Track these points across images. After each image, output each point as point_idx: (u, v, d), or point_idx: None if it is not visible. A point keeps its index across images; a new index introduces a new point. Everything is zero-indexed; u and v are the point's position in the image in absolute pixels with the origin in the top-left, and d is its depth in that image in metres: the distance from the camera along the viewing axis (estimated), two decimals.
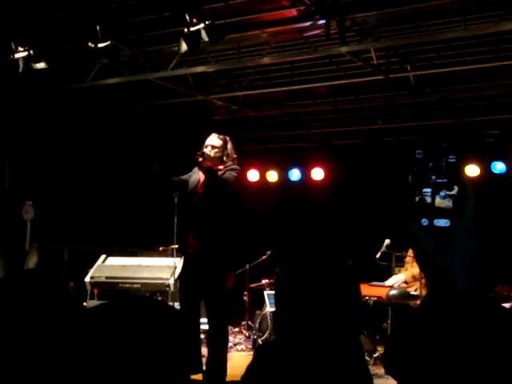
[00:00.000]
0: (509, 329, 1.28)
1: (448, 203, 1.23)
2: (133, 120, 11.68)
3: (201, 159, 6.17)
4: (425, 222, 1.23)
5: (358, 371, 1.47)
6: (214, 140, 6.31)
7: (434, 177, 1.24)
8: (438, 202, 1.24)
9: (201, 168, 6.22)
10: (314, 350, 1.46)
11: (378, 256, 8.38)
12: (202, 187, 6.26)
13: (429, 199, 1.23)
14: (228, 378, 6.24)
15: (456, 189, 1.24)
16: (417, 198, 1.24)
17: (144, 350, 1.16)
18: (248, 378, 1.51)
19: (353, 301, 1.54)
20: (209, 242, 6.16)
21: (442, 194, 1.24)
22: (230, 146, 6.33)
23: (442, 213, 1.23)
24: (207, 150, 6.24)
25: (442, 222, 1.22)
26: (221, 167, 6.25)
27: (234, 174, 6.21)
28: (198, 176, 6.34)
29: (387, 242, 8.24)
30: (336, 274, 1.57)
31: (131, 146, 6.78)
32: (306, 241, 10.52)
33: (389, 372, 1.34)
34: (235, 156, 6.39)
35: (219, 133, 6.42)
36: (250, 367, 1.56)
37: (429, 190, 1.24)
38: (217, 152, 6.25)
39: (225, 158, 6.27)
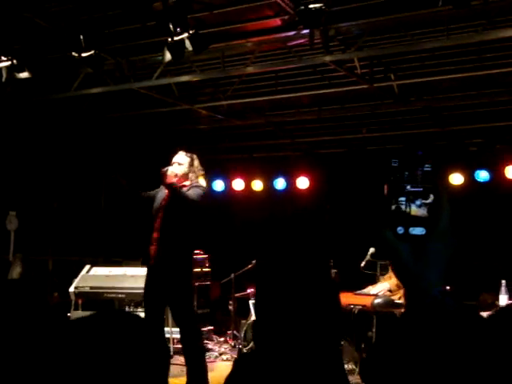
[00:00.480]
0: (483, 337, 1.28)
1: (423, 212, 1.24)
2: (118, 130, 11.65)
3: (165, 174, 6.34)
4: (400, 230, 1.23)
5: (336, 380, 1.46)
6: (180, 158, 6.58)
7: (409, 186, 1.24)
8: (414, 210, 1.24)
9: (164, 184, 6.38)
10: (292, 360, 1.46)
11: (362, 265, 8.39)
12: (166, 202, 6.45)
13: (403, 208, 1.24)
14: None
15: (432, 197, 1.24)
16: (393, 207, 1.24)
17: (123, 361, 1.16)
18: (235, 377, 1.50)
19: (332, 310, 1.54)
20: (171, 254, 6.33)
21: (418, 202, 1.24)
22: (196, 163, 6.60)
23: (417, 221, 1.23)
24: (173, 168, 6.48)
25: (418, 231, 1.23)
26: (187, 183, 6.48)
27: (198, 190, 6.41)
28: (164, 192, 6.53)
29: (372, 250, 8.25)
30: (316, 283, 1.57)
31: (107, 170, 7.02)
32: (288, 250, 10.50)
33: (365, 380, 1.33)
34: (202, 173, 6.65)
35: (186, 150, 6.67)
36: (228, 378, 1.56)
37: (404, 198, 1.24)
38: (183, 169, 6.50)
39: (190, 175, 6.52)
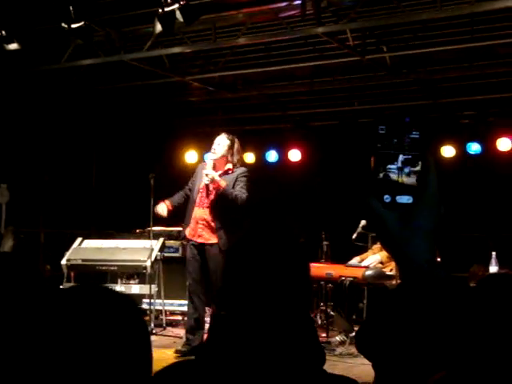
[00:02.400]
0: (472, 306, 1.29)
1: (412, 180, 1.23)
2: (108, 101, 11.59)
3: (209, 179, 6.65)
4: (387, 198, 1.22)
5: (308, 343, 1.47)
6: (221, 139, 6.78)
7: (398, 153, 1.23)
8: (402, 178, 1.23)
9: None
10: (262, 323, 1.46)
11: (354, 237, 8.42)
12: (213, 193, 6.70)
13: (393, 176, 1.23)
14: None
15: (420, 165, 1.23)
16: (381, 175, 1.23)
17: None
18: (206, 348, 1.52)
19: (301, 276, 1.54)
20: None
21: (407, 170, 1.23)
22: (236, 146, 6.79)
23: (405, 189, 1.22)
24: (215, 150, 6.73)
25: (405, 199, 1.22)
26: (229, 166, 6.72)
27: (246, 180, 6.70)
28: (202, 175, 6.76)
29: (363, 222, 8.27)
30: (284, 249, 1.57)
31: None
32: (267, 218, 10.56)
33: (361, 351, 1.34)
34: (240, 156, 6.92)
35: (228, 133, 6.88)
36: (209, 335, 1.57)
37: (393, 166, 1.23)
38: (222, 151, 6.72)
39: (232, 158, 6.74)
